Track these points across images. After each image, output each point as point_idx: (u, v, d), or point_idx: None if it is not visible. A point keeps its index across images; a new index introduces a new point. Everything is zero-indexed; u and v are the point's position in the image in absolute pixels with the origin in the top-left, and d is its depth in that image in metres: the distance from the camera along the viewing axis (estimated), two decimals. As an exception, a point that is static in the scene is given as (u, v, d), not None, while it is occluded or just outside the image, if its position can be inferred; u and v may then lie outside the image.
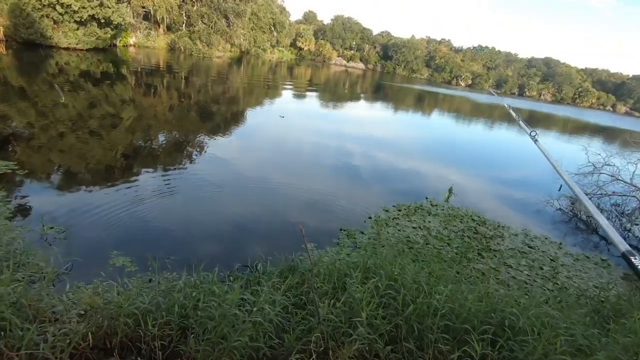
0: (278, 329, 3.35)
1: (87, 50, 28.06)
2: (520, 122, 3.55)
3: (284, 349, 3.21)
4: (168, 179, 8.05)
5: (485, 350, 3.10)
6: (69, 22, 25.98)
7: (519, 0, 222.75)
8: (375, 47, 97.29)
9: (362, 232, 6.59)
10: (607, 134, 40.42)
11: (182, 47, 44.61)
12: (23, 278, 3.47)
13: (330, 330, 3.28)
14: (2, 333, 2.78)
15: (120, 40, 34.85)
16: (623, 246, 1.18)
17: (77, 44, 27.07)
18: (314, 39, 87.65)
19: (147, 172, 8.28)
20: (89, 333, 2.95)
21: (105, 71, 23.12)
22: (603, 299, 5.32)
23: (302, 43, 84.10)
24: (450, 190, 9.84)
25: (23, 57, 22.32)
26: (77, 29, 26.80)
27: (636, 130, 48.06)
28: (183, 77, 27.19)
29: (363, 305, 3.36)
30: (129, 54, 34.73)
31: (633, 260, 1.10)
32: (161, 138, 11.58)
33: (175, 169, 8.80)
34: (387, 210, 7.79)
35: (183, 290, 3.57)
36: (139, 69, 26.83)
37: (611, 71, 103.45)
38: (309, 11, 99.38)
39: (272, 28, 67.10)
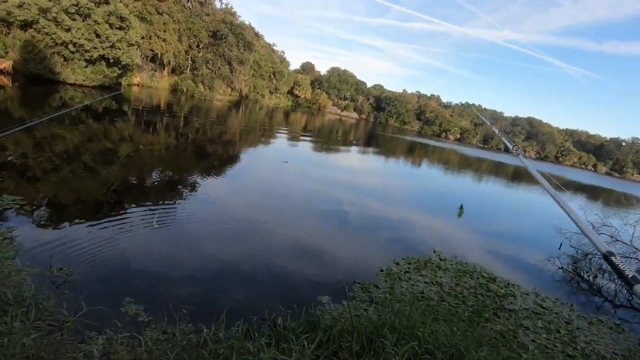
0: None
1: (93, 87, 28.66)
2: (503, 138, 3.63)
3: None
4: (174, 220, 7.90)
5: None
6: (79, 60, 26.74)
7: (497, 65, 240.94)
8: (368, 99, 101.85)
9: (377, 286, 6.45)
10: (592, 191, 41.74)
11: (184, 89, 45.95)
12: (39, 327, 3.23)
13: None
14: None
15: (126, 79, 35.79)
16: (604, 247, 1.24)
17: (83, 81, 27.68)
18: (311, 88, 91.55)
19: (151, 210, 8.12)
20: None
21: (107, 108, 23.47)
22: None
23: (299, 91, 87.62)
24: (461, 208, 9.97)
25: (30, 90, 22.64)
26: (86, 66, 27.56)
27: (617, 189, 49.90)
28: (183, 117, 27.69)
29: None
30: (132, 92, 35.54)
31: (614, 259, 1.18)
32: (169, 177, 11.52)
33: (183, 210, 8.66)
34: (397, 263, 7.70)
35: (209, 346, 3.36)
36: (141, 108, 27.32)
37: (590, 133, 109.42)
38: (307, 62, 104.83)
39: (272, 76, 70.11)
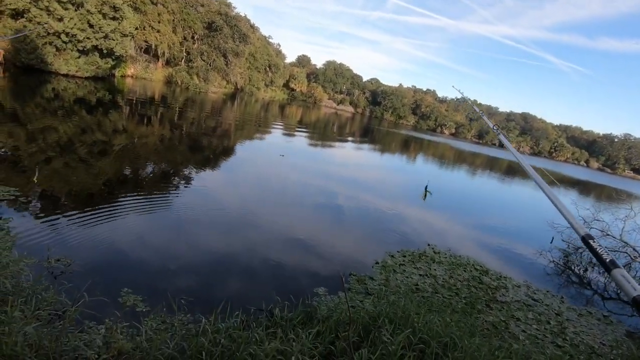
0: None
1: (86, 78, 28.28)
2: (484, 117, 3.72)
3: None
4: (170, 211, 7.91)
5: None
6: (72, 50, 26.34)
7: (493, 60, 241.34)
8: (364, 93, 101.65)
9: (372, 278, 6.54)
10: (585, 187, 42.25)
11: (179, 81, 45.51)
12: (40, 316, 3.27)
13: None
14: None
15: (119, 70, 35.34)
16: (582, 231, 1.26)
17: (76, 72, 27.30)
18: (307, 81, 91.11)
19: (147, 203, 8.12)
20: (115, 381, 2.77)
21: (101, 99, 23.21)
22: (613, 358, 5.34)
23: (295, 84, 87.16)
24: (426, 189, 10.60)
25: (20, 80, 22.29)
26: (79, 57, 27.16)
27: (608, 184, 50.57)
28: (177, 109, 27.49)
29: (397, 359, 3.30)
30: (125, 84, 35.14)
31: (592, 243, 1.18)
32: (164, 169, 11.48)
33: (178, 202, 8.67)
34: (392, 256, 7.80)
35: (208, 335, 3.42)
36: (134, 99, 27.04)
37: (584, 129, 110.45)
38: (303, 55, 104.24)
39: (268, 69, 69.67)
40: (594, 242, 1.16)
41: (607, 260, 1.07)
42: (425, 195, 10.33)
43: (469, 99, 4.32)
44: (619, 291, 9.37)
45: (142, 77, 42.01)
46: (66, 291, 4.09)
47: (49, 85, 22.80)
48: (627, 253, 9.98)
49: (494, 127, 2.90)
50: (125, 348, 2.91)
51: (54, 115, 15.17)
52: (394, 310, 4.43)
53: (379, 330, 3.78)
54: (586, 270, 10.20)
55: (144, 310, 4.48)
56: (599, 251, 1.10)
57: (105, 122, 16.40)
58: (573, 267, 10.41)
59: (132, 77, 40.31)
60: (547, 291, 7.98)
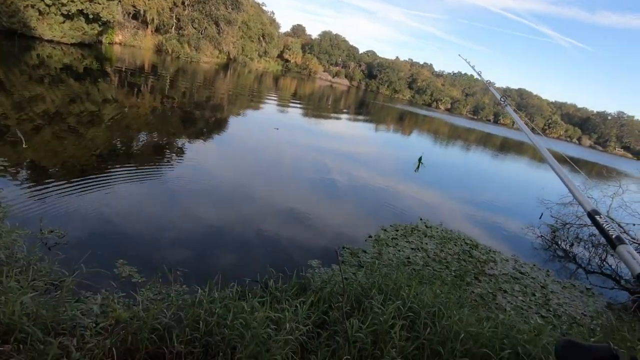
0: (302, 349, 3.33)
1: (72, 44, 27.18)
2: (491, 89, 3.76)
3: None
4: (163, 184, 7.86)
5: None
6: (55, 14, 25.13)
7: (492, 33, 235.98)
8: (360, 65, 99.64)
9: (365, 252, 6.67)
10: (576, 164, 42.76)
11: (169, 50, 44.02)
12: (36, 286, 3.29)
13: (356, 352, 3.29)
14: (22, 347, 2.62)
15: (106, 37, 33.99)
16: (589, 206, 1.29)
17: (61, 38, 26.18)
18: (302, 52, 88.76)
19: (139, 174, 8.05)
20: (113, 348, 2.83)
21: (88, 67, 22.44)
22: (592, 327, 5.60)
23: (290, 55, 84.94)
24: (420, 160, 10.73)
25: (2, 46, 21.34)
26: (63, 22, 25.97)
27: (599, 162, 51.26)
28: (169, 79, 26.76)
29: (388, 327, 3.42)
30: (113, 51, 33.89)
31: (598, 219, 1.21)
32: (156, 141, 11.30)
33: (171, 174, 8.60)
34: (385, 230, 7.92)
35: (204, 305, 3.48)
36: (124, 68, 26.19)
37: (578, 106, 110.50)
38: (298, 25, 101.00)
39: (261, 38, 67.56)
40: (600, 217, 1.15)
41: (613, 236, 1.07)
42: (418, 167, 10.43)
43: (474, 67, 4.22)
44: (602, 266, 9.71)
45: (131, 44, 40.48)
46: (61, 262, 4.10)
47: (33, 52, 21.91)
48: (613, 229, 10.25)
49: (502, 98, 2.87)
50: (122, 317, 2.96)
51: (40, 83, 14.68)
52: (386, 282, 4.54)
53: (370, 301, 3.88)
54: (572, 245, 10.50)
55: (140, 281, 4.54)
56: (605, 227, 1.10)
57: (94, 92, 15.93)
58: (559, 242, 10.70)
59: (120, 44, 38.83)
60: (534, 265, 8.24)
